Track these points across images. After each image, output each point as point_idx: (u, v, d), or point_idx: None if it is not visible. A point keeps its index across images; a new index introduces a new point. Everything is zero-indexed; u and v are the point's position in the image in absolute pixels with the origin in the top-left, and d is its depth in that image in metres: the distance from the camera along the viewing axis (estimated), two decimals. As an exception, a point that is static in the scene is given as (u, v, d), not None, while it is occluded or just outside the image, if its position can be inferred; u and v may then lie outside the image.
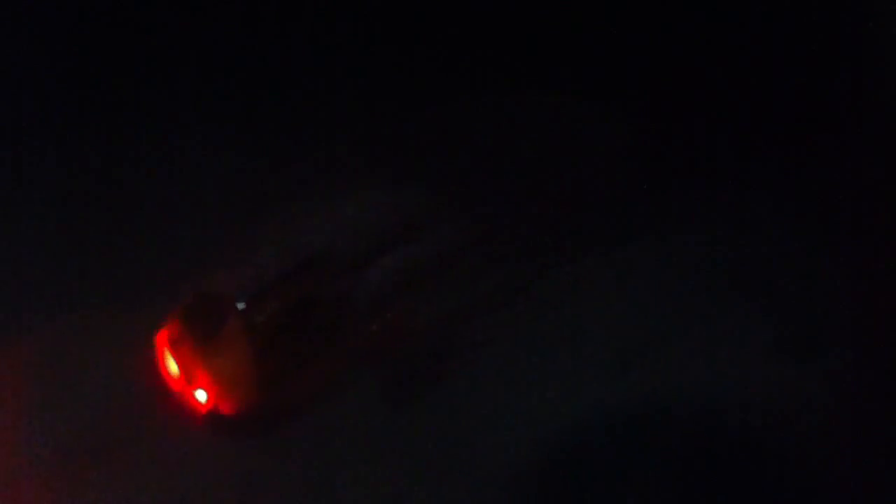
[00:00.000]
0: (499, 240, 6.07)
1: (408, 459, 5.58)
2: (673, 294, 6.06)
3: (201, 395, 5.59)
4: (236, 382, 5.61)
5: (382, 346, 5.84)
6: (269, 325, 5.69)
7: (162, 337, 5.68)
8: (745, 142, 6.35)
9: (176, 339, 5.64)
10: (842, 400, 5.82)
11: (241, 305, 5.68)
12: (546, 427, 5.74)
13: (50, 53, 6.43)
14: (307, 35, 6.42)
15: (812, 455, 5.72)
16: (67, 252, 5.97)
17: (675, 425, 5.78)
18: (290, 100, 6.29)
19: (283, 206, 5.99)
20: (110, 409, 5.68)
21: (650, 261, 6.12)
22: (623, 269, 6.08)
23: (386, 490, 5.55)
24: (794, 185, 6.30)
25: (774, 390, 5.86)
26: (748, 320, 6.02)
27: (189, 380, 5.61)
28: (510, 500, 5.54)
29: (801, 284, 6.06)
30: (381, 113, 6.24)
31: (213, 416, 5.60)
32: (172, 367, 5.63)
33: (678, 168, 6.36)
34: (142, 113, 6.31)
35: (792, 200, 6.28)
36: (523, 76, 6.45)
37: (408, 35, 6.45)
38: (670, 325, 5.96)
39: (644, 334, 5.93)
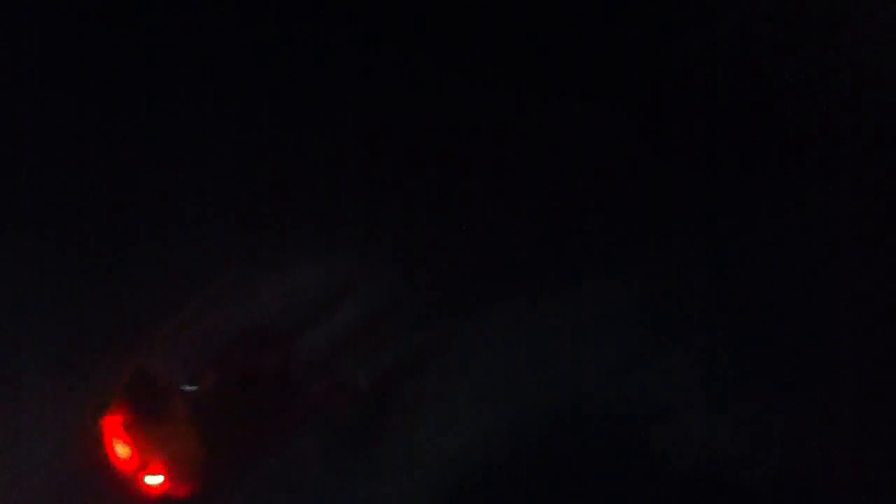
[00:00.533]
0: (427, 296, 6.23)
1: None
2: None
3: (154, 479, 5.69)
4: (190, 463, 5.72)
5: (324, 407, 5.99)
6: (216, 401, 5.79)
7: (110, 421, 5.75)
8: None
9: (125, 423, 5.71)
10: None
11: (186, 387, 5.77)
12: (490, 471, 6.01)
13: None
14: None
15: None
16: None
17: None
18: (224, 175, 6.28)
19: (216, 281, 6.03)
20: (54, 491, 5.75)
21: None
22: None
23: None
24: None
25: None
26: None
27: (140, 464, 5.70)
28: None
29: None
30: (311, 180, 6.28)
31: (165, 500, 5.72)
32: (123, 451, 5.71)
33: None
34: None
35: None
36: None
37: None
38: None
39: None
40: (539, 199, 6.34)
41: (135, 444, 5.68)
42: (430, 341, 6.20)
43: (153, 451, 5.65)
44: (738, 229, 6.34)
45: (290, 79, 6.35)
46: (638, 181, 6.37)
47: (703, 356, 6.19)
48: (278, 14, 6.42)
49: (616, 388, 6.10)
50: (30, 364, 6.01)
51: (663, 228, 6.35)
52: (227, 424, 5.81)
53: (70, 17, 6.39)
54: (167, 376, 5.80)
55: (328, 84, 6.35)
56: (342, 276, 6.13)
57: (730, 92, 6.44)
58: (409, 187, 6.26)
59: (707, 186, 6.39)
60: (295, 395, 5.98)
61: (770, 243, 6.34)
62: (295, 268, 6.11)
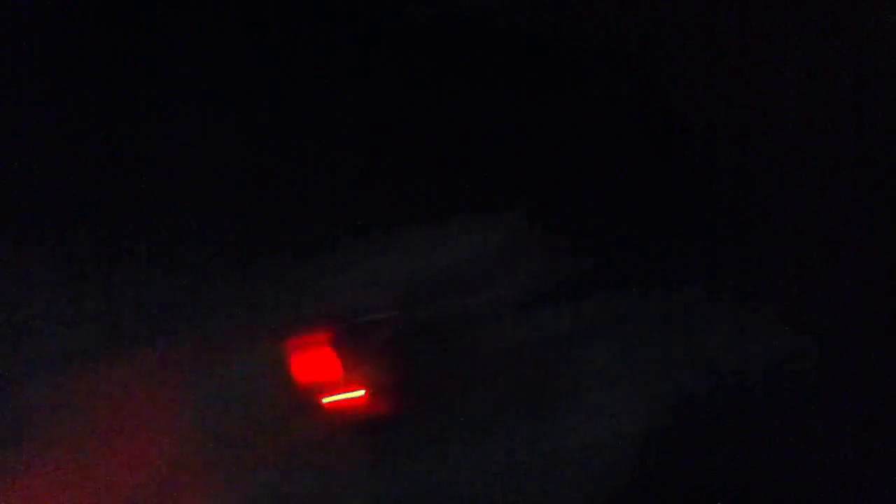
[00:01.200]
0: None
1: (522, 467, 6.39)
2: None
3: (349, 395, 6.34)
4: (378, 387, 6.36)
5: (500, 363, 6.56)
6: (407, 335, 6.45)
7: (303, 341, 6.37)
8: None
9: (315, 343, 6.36)
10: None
11: (382, 316, 6.42)
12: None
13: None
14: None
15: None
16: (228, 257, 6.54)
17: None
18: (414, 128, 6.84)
19: (415, 230, 6.65)
20: (263, 405, 6.33)
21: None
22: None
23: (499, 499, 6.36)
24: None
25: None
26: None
27: (325, 381, 6.35)
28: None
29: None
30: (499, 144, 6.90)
31: (355, 415, 6.35)
32: (324, 368, 6.35)
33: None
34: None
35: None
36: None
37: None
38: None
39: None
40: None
41: (334, 362, 6.27)
42: (602, 316, 6.67)
43: (350, 370, 6.28)
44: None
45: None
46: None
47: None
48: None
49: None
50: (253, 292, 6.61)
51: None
52: (415, 357, 6.42)
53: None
54: (366, 306, 6.45)
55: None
56: (528, 239, 6.66)
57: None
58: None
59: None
60: (471, 348, 6.53)
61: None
62: (480, 226, 6.62)
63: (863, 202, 6.84)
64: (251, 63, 6.89)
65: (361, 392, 6.38)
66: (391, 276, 6.58)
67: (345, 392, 6.35)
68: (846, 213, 6.85)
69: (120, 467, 6.13)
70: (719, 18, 6.95)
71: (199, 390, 6.30)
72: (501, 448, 6.44)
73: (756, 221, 6.87)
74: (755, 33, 6.94)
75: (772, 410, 6.64)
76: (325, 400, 6.36)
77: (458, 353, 6.54)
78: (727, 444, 6.59)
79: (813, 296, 6.74)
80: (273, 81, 6.88)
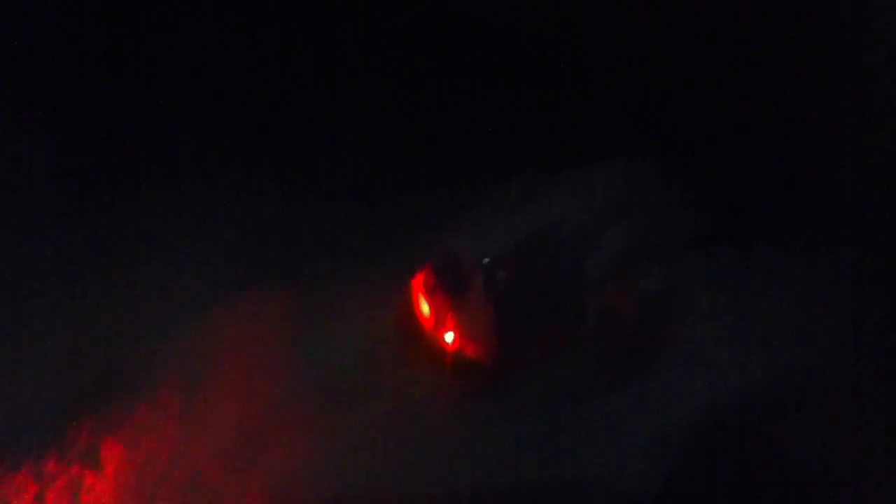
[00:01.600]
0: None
1: (621, 424, 6.60)
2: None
3: (449, 337, 6.76)
4: (477, 330, 6.76)
5: (607, 316, 6.81)
6: (508, 284, 6.81)
7: (417, 282, 6.83)
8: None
9: (430, 286, 6.80)
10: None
11: (486, 261, 6.79)
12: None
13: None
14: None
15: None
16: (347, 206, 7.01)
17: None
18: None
19: (524, 178, 6.97)
20: (368, 347, 6.83)
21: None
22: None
23: (598, 458, 6.49)
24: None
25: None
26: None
27: (439, 323, 6.79)
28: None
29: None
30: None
31: (457, 357, 6.76)
32: (425, 309, 6.80)
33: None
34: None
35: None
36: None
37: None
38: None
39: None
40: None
41: (435, 305, 6.74)
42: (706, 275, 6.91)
43: (450, 312, 6.71)
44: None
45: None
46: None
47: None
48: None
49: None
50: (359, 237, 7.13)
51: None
52: (516, 307, 6.76)
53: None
54: (469, 254, 6.85)
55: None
56: (641, 190, 6.84)
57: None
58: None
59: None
60: (579, 298, 6.77)
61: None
62: (588, 178, 6.91)
63: None
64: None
65: (469, 335, 6.77)
66: (511, 224, 6.86)
67: (455, 334, 6.76)
68: None
69: (238, 406, 6.73)
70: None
71: (321, 332, 6.84)
72: (607, 404, 6.66)
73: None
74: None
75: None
76: (441, 340, 6.76)
77: (571, 304, 6.78)
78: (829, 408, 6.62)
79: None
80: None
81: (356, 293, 6.84)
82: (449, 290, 6.69)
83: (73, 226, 6.86)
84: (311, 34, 7.11)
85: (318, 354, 6.73)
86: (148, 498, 6.17)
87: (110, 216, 6.91)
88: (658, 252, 6.77)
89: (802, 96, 6.68)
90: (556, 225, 6.62)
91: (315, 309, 6.77)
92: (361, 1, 7.20)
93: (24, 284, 6.89)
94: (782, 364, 6.62)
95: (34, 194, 6.79)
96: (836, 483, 6.21)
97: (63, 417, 6.60)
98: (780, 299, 6.70)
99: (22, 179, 6.88)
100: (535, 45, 6.88)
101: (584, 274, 6.65)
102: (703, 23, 6.73)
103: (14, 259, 6.80)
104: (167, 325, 6.59)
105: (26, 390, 6.77)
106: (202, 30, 6.97)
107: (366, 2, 7.28)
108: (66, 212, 6.95)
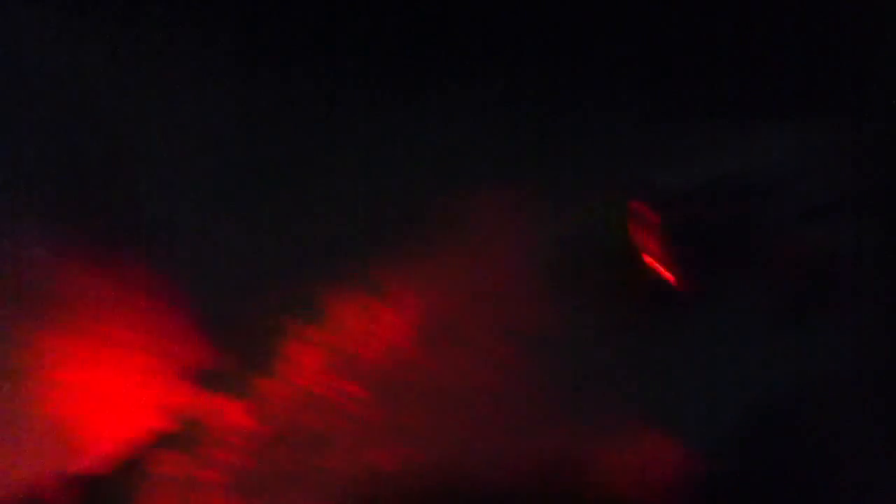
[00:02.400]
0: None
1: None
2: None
3: (649, 260, 7.97)
4: (666, 259, 7.75)
5: (779, 266, 7.45)
6: (693, 223, 7.66)
7: (632, 207, 7.84)
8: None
9: (637, 213, 7.92)
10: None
11: (688, 197, 7.62)
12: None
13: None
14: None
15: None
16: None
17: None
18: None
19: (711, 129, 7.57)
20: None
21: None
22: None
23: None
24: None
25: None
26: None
27: (643, 248, 7.97)
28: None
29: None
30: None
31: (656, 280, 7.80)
32: (637, 233, 7.82)
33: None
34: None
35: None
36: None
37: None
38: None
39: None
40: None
41: (641, 230, 7.72)
42: None
43: (649, 240, 7.75)
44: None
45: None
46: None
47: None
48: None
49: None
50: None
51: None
52: (698, 244, 7.62)
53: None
54: (668, 192, 7.76)
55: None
56: (835, 147, 7.27)
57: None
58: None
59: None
60: (754, 246, 7.45)
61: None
62: (765, 132, 7.44)
63: None
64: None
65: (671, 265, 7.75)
66: (715, 165, 7.53)
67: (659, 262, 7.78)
68: None
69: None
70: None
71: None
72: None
73: None
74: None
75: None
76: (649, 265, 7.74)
77: (757, 254, 7.46)
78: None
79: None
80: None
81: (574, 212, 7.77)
82: (648, 221, 7.46)
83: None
84: None
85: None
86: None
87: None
88: (850, 207, 7.20)
89: None
90: (756, 169, 7.28)
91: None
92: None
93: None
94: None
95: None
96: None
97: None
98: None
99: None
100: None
101: (780, 217, 7.21)
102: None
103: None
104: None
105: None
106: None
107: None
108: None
